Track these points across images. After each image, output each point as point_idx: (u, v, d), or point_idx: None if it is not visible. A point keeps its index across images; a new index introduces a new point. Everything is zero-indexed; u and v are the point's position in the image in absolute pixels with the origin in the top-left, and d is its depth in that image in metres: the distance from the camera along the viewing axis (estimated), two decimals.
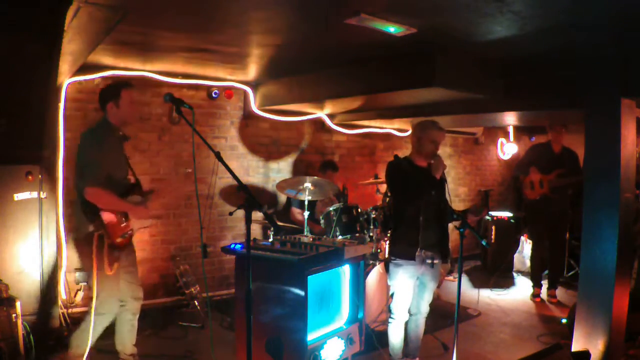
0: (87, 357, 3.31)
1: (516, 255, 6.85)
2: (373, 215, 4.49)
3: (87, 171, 2.94)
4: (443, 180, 3.40)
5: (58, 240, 3.94)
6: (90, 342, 3.14)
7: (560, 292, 5.64)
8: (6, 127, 2.88)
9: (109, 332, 3.38)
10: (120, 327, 3.29)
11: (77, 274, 4.40)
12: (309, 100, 4.79)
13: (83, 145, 3.08)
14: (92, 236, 2.98)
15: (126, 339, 3.30)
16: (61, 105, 4.22)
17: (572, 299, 5.29)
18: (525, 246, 6.74)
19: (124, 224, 3.14)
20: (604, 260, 3.32)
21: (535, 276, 5.66)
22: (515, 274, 6.50)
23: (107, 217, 3.01)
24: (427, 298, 3.54)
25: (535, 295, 5.57)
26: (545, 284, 5.67)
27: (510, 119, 5.79)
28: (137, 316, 3.36)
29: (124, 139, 3.25)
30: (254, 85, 5.37)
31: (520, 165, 5.81)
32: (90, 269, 3.02)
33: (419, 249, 3.29)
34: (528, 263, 6.69)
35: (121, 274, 3.23)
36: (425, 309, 3.56)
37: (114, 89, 3.11)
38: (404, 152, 7.05)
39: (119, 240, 3.07)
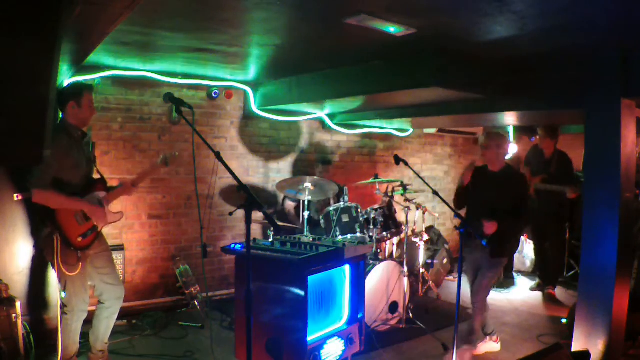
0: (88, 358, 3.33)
1: (516, 255, 6.84)
2: (373, 216, 4.49)
3: (32, 174, 2.91)
4: (504, 186, 3.76)
5: None
6: (72, 342, 3.12)
7: (560, 292, 5.65)
8: (6, 127, 2.87)
9: (112, 331, 3.39)
10: (96, 323, 3.28)
11: None
12: (309, 101, 4.79)
13: None
14: (51, 238, 2.96)
15: (99, 336, 3.30)
16: None
17: (572, 299, 5.30)
18: (525, 246, 6.75)
19: (83, 223, 3.09)
20: (604, 260, 3.32)
21: (540, 275, 5.78)
22: (515, 274, 6.49)
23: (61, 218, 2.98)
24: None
25: (544, 291, 5.65)
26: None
27: (510, 119, 5.78)
28: (116, 315, 3.34)
29: (84, 138, 3.24)
30: (254, 85, 5.37)
31: (524, 161, 6.00)
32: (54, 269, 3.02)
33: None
34: (528, 263, 6.72)
35: (94, 276, 3.21)
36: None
37: (77, 89, 3.14)
38: (404, 152, 7.08)
39: (79, 240, 3.03)
